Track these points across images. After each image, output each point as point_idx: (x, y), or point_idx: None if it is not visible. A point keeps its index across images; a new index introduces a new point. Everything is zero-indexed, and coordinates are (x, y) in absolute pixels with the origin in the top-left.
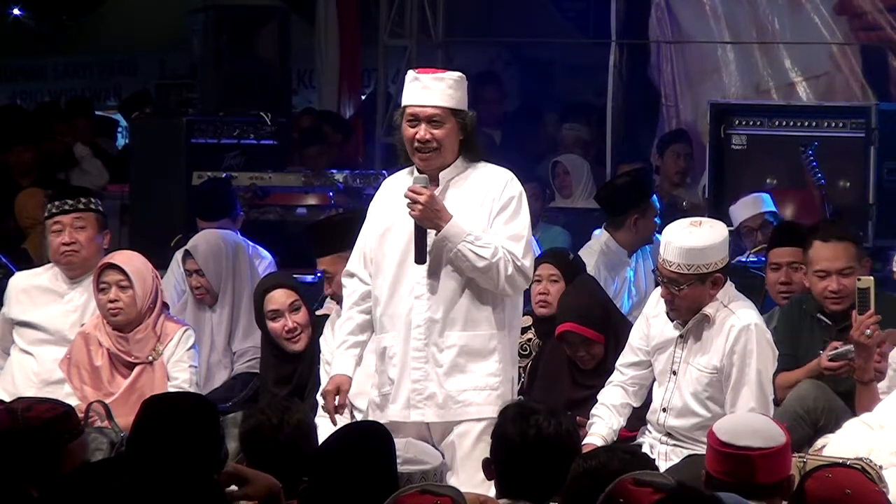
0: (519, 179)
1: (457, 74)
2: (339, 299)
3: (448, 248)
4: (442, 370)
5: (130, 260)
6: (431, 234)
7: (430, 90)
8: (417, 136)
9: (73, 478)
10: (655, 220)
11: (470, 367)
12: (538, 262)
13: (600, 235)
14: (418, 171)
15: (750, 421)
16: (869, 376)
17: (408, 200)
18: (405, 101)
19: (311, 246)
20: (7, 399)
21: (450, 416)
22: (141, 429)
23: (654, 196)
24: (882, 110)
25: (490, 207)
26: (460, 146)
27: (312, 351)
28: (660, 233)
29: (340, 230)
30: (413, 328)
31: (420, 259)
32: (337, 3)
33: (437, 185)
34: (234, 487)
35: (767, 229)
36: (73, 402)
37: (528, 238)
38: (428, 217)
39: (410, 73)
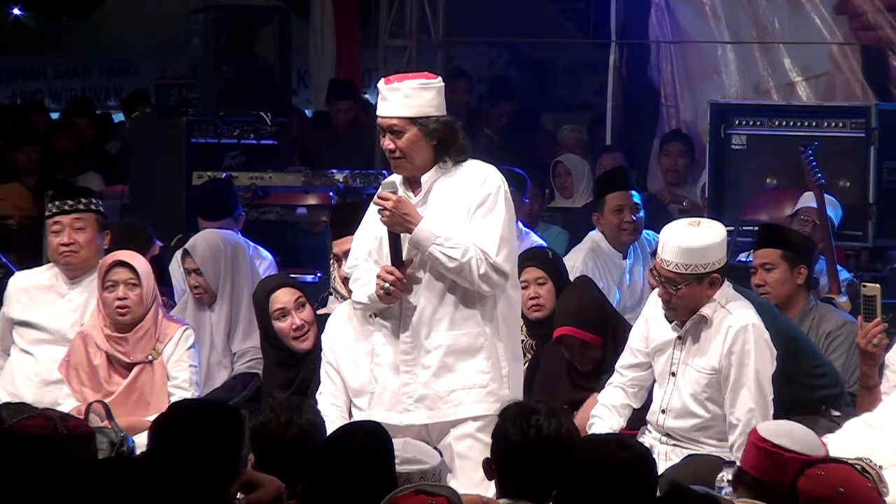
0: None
1: (416, 82)
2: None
3: (422, 251)
4: (430, 371)
5: (135, 258)
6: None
7: (387, 101)
8: (383, 146)
9: (72, 477)
10: (634, 216)
11: (458, 367)
12: (520, 267)
13: (594, 233)
14: (398, 177)
15: (796, 429)
16: (873, 381)
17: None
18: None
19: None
20: (7, 399)
21: (440, 417)
22: (164, 434)
23: (631, 192)
24: (882, 110)
25: (468, 204)
26: (436, 150)
27: (318, 350)
28: (653, 230)
29: (359, 211)
30: (401, 332)
31: (396, 264)
32: (333, 2)
33: (420, 190)
34: (240, 496)
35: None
36: (72, 402)
37: (505, 235)
38: (397, 222)
39: (380, 83)
